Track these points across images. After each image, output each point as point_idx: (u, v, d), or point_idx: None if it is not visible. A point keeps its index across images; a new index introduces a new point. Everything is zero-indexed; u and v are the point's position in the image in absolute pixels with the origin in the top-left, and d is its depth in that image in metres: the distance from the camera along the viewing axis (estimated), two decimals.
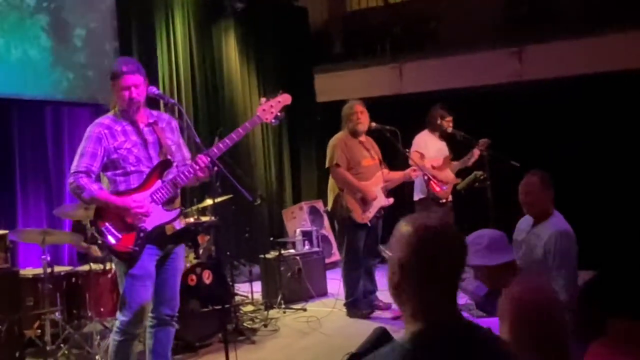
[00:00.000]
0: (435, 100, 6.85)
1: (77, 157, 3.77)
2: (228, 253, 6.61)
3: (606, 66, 7.27)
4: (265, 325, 5.86)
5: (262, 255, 6.91)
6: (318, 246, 7.47)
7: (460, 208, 6.74)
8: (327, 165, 6.06)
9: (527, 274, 3.36)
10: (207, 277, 5.32)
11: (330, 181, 6.11)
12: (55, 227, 5.85)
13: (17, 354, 4.75)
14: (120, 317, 3.78)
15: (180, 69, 7.73)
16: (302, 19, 9.86)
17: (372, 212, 5.93)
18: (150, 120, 3.91)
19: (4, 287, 4.81)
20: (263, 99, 4.12)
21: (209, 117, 8.08)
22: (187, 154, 4.08)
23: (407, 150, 6.28)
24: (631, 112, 7.07)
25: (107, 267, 5.09)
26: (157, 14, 7.51)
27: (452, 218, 6.71)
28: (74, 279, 5.23)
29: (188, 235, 5.32)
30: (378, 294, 6.18)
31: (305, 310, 6.39)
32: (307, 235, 7.45)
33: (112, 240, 3.71)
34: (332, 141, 6.07)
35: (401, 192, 6.50)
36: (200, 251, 5.73)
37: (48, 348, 4.78)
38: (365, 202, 5.91)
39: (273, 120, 4.08)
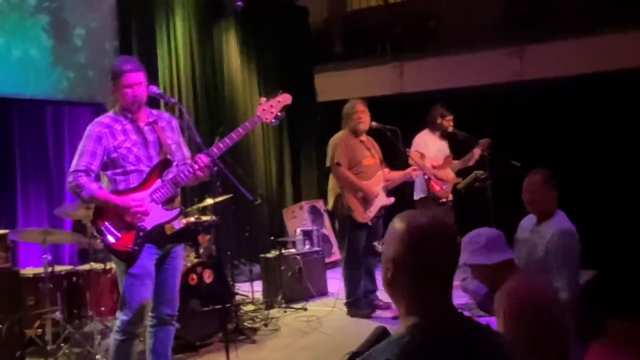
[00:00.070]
0: (436, 100, 6.86)
1: (76, 156, 3.76)
2: (229, 252, 6.61)
3: (606, 66, 7.27)
4: (266, 325, 5.86)
5: (262, 255, 6.91)
6: (318, 246, 7.47)
7: (461, 207, 6.75)
8: (328, 164, 6.06)
9: (526, 272, 3.36)
10: (208, 276, 5.32)
11: (331, 180, 6.11)
12: (55, 227, 5.84)
13: (17, 354, 4.75)
14: (121, 317, 3.79)
15: (180, 68, 7.74)
16: (302, 19, 9.87)
17: (373, 211, 5.93)
18: (150, 119, 3.91)
19: (4, 287, 4.81)
20: (263, 99, 4.12)
21: (209, 116, 8.08)
22: (187, 153, 4.08)
23: (408, 149, 6.29)
24: (631, 111, 7.07)
25: (108, 267, 5.10)
26: (157, 13, 7.51)
27: (453, 217, 6.72)
28: (74, 279, 5.23)
29: (188, 235, 5.32)
30: (378, 293, 6.18)
31: (305, 309, 6.39)
32: (307, 234, 7.45)
33: (111, 239, 3.71)
34: (333, 140, 6.07)
35: (401, 192, 6.50)
36: (201, 250, 5.73)
37: (49, 347, 4.78)
38: (366, 201, 5.91)
39: (273, 120, 4.08)
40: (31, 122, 6.34)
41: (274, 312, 6.29)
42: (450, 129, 6.67)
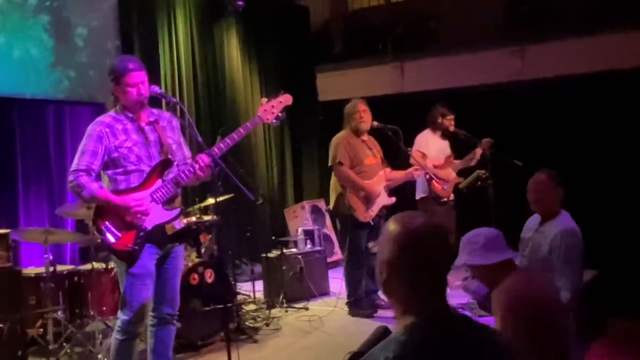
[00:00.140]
0: (437, 100, 6.87)
1: (77, 155, 3.76)
2: (230, 252, 6.61)
3: (606, 66, 7.27)
4: (267, 324, 5.87)
5: (264, 254, 6.92)
6: (320, 245, 7.48)
7: (462, 207, 6.75)
8: (330, 163, 6.06)
9: (524, 271, 3.37)
10: (209, 276, 5.33)
11: (333, 180, 6.11)
12: (57, 226, 5.85)
13: (19, 353, 4.76)
14: (121, 316, 3.79)
15: (182, 68, 7.74)
16: (303, 18, 9.87)
17: (374, 210, 5.94)
18: (151, 119, 3.91)
19: (6, 286, 4.82)
20: (264, 99, 4.12)
21: (211, 116, 8.09)
22: (187, 153, 4.08)
23: (409, 149, 6.30)
24: (632, 111, 7.07)
25: (109, 266, 5.10)
26: (158, 13, 7.52)
27: (454, 217, 6.73)
28: (76, 278, 5.24)
29: (188, 235, 5.33)
30: (380, 293, 6.18)
31: (307, 309, 6.40)
32: (309, 234, 7.46)
33: (111, 239, 3.71)
34: (335, 140, 6.07)
35: (403, 192, 6.50)
36: (203, 250, 5.74)
37: (50, 347, 4.79)
38: (368, 200, 5.92)
39: (274, 121, 4.08)
40: (32, 122, 6.35)
41: (275, 311, 6.29)
42: (452, 129, 6.67)
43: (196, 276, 5.24)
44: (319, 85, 9.69)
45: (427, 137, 6.73)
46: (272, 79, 9.07)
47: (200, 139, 3.89)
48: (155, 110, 4.03)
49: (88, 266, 5.23)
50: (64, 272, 5.23)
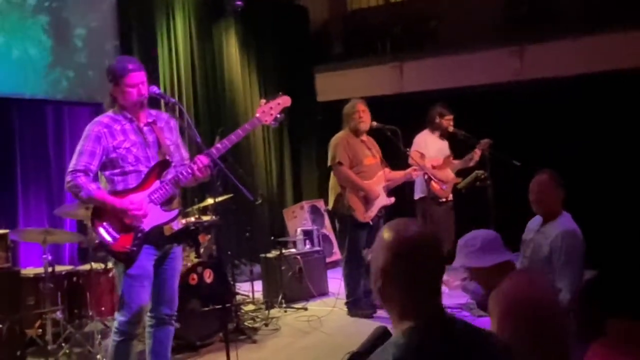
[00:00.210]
0: (436, 100, 6.87)
1: (75, 156, 3.75)
2: (229, 252, 6.62)
3: (606, 66, 7.27)
4: (266, 325, 5.87)
5: (263, 255, 6.92)
6: (319, 245, 7.49)
7: (461, 207, 6.75)
8: (329, 163, 6.06)
9: (523, 271, 3.36)
10: (208, 276, 5.33)
11: (332, 180, 6.11)
12: (56, 227, 5.84)
13: (18, 353, 4.76)
14: (119, 318, 3.78)
15: (180, 68, 7.74)
16: (302, 18, 9.86)
17: (374, 211, 5.94)
18: (149, 120, 3.90)
19: (5, 287, 4.82)
20: (263, 101, 4.11)
21: (210, 116, 8.09)
22: (185, 154, 4.06)
23: (408, 149, 6.29)
24: (631, 111, 7.07)
25: (108, 267, 5.10)
26: (157, 13, 7.51)
27: (453, 217, 6.73)
28: (75, 279, 5.24)
29: (187, 235, 5.32)
30: None
31: (306, 309, 6.39)
32: (308, 234, 7.46)
33: (109, 240, 3.70)
34: (334, 140, 6.07)
35: (402, 192, 6.50)
36: (202, 250, 5.73)
37: (49, 347, 4.78)
38: (367, 200, 5.92)
39: (272, 122, 4.08)
40: (31, 122, 6.35)
41: (274, 312, 6.29)
42: (450, 129, 6.67)
43: (195, 276, 5.24)
44: (318, 85, 9.69)
45: (426, 137, 6.73)
46: (271, 79, 9.07)
47: (199, 139, 3.88)
48: (153, 111, 4.01)
49: (87, 266, 5.23)
50: (63, 273, 5.22)
